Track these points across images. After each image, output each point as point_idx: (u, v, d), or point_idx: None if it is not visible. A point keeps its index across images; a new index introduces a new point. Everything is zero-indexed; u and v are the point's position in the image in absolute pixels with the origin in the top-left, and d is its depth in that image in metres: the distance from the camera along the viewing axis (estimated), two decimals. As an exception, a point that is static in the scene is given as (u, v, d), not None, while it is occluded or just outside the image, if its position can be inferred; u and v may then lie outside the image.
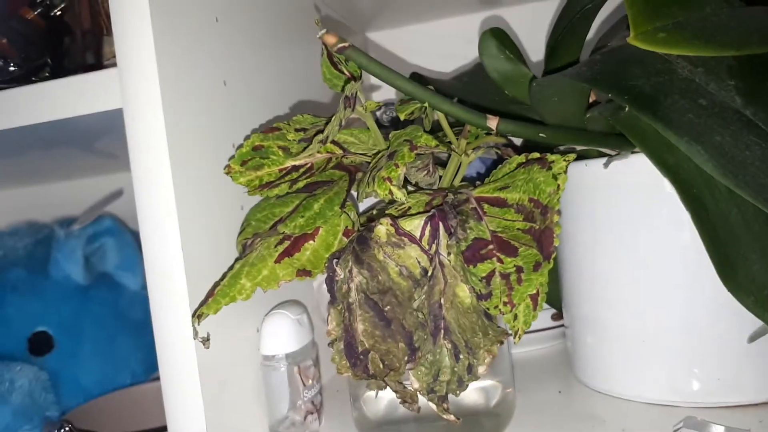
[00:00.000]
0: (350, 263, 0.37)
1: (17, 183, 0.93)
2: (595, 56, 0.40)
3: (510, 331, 0.36)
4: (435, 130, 0.46)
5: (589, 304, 0.46)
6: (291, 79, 0.59)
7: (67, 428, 0.60)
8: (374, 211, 0.45)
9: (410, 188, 0.45)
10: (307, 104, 0.61)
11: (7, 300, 0.72)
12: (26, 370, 0.67)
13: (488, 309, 0.36)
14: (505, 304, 0.35)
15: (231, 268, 0.41)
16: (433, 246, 0.37)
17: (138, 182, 0.40)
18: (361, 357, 0.37)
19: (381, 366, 0.36)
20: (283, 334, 0.45)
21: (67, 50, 0.51)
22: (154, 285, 0.40)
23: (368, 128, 0.45)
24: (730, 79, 0.37)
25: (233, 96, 0.47)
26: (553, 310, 0.58)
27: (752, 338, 0.41)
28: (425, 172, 0.44)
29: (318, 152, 0.44)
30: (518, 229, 0.37)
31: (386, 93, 0.81)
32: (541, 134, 0.42)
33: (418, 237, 0.37)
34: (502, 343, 0.37)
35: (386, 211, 0.41)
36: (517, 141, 0.56)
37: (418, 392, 0.37)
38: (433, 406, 0.37)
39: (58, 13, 0.51)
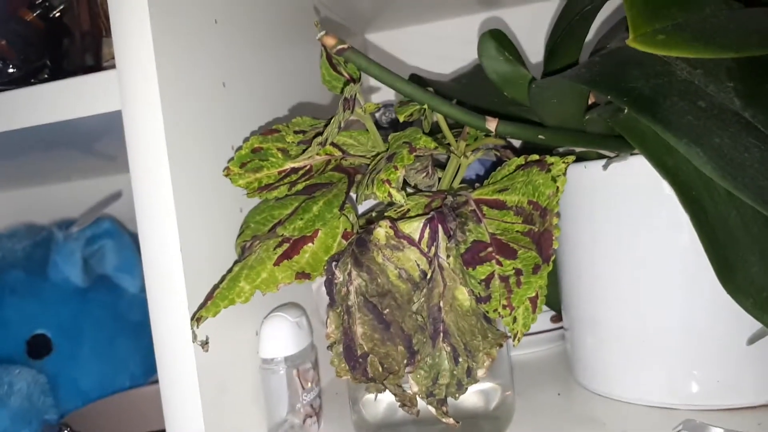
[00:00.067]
0: (349, 266, 0.37)
1: (16, 184, 0.93)
2: (595, 58, 0.40)
3: (509, 334, 0.36)
4: (434, 131, 0.46)
5: (588, 306, 0.46)
6: (290, 81, 0.59)
7: (65, 431, 0.60)
8: (373, 213, 0.45)
9: (409, 190, 0.45)
10: (307, 106, 0.61)
11: (5, 302, 0.72)
12: (25, 373, 0.67)
13: (487, 312, 0.36)
14: (504, 307, 0.35)
15: (230, 270, 0.41)
16: (432, 248, 0.37)
17: (137, 184, 0.40)
18: (360, 360, 0.37)
19: (380, 369, 0.36)
20: (282, 337, 0.45)
21: (66, 52, 0.51)
22: (153, 287, 0.40)
23: (367, 130, 0.45)
24: (729, 81, 0.37)
25: (232, 98, 0.47)
26: (553, 312, 0.58)
27: (751, 340, 0.40)
28: (424, 173, 0.44)
29: (317, 154, 0.44)
30: (517, 231, 0.37)
31: (385, 94, 0.81)
32: (540, 136, 0.42)
33: (417, 239, 0.37)
34: (501, 346, 0.37)
35: (385, 213, 0.41)
36: (517, 143, 0.56)
37: (417, 395, 0.37)
38: (432, 410, 0.36)
39: (57, 14, 0.51)
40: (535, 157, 0.40)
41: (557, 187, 0.37)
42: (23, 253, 0.76)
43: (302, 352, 0.46)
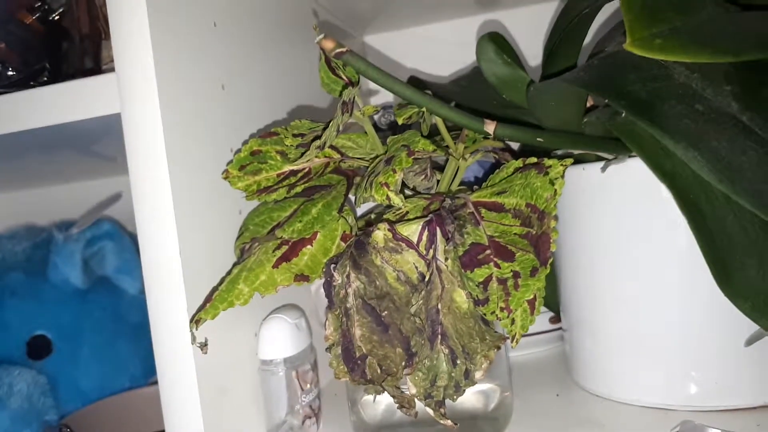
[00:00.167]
0: (348, 268, 0.38)
1: (15, 186, 0.93)
2: (593, 61, 0.40)
3: (507, 336, 0.36)
4: (433, 134, 0.46)
5: (587, 307, 0.47)
6: (289, 83, 0.59)
7: (65, 432, 0.60)
8: (372, 215, 0.45)
9: (408, 192, 0.45)
10: (305, 109, 0.61)
11: (5, 303, 0.72)
12: (25, 374, 0.67)
13: (485, 314, 0.36)
14: (502, 309, 0.35)
15: (229, 272, 0.41)
16: (431, 251, 0.37)
17: (136, 186, 0.40)
18: (359, 362, 0.37)
19: (378, 371, 0.37)
20: (281, 339, 0.45)
21: (65, 55, 0.51)
22: (153, 289, 0.40)
23: (366, 132, 0.46)
24: (726, 85, 0.37)
25: (231, 100, 0.47)
26: (551, 314, 0.58)
27: (749, 342, 0.41)
28: (423, 176, 0.44)
29: (316, 157, 0.44)
30: (515, 234, 0.37)
31: (384, 96, 0.81)
32: (538, 138, 0.42)
33: (415, 242, 0.37)
34: (499, 348, 0.37)
35: (384, 216, 0.41)
36: (515, 145, 0.56)
37: (415, 397, 0.37)
38: (430, 411, 0.37)
39: (57, 17, 0.51)
40: (533, 159, 0.40)
41: (555, 190, 0.37)
42: (23, 255, 0.76)
43: (301, 353, 0.46)
